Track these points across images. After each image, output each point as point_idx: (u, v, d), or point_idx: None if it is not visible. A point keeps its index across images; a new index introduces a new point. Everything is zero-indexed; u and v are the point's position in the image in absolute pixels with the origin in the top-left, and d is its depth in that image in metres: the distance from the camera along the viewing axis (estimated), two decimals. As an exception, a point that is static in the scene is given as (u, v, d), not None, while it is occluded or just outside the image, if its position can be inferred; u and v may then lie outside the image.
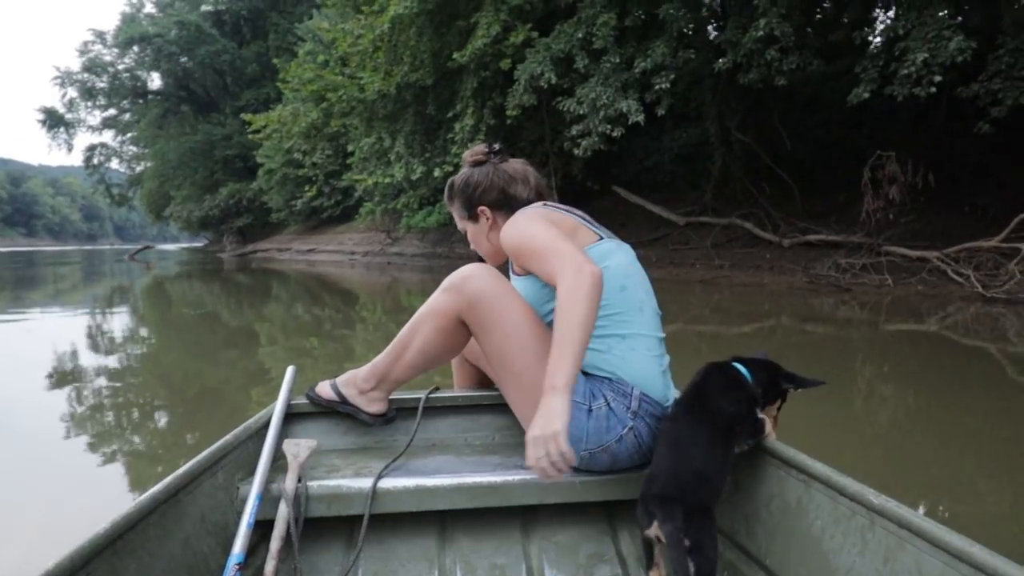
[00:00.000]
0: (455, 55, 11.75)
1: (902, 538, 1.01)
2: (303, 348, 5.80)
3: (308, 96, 16.22)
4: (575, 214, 1.60)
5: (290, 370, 1.87)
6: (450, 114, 13.27)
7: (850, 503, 1.13)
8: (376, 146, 15.18)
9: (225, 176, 38.77)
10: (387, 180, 14.78)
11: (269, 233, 38.59)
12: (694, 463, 1.25)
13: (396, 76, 13.49)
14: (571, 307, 1.26)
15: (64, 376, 4.50)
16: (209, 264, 25.35)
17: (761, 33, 8.79)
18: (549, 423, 1.17)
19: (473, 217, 1.74)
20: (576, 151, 11.20)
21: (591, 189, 16.59)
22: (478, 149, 1.77)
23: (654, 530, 1.20)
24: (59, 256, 39.30)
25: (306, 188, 19.93)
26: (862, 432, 3.20)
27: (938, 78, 7.88)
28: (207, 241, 55.15)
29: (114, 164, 49.28)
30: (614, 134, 10.50)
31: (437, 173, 13.61)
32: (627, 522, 1.59)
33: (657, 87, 10.05)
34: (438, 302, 1.58)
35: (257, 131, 16.61)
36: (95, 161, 47.53)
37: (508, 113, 11.86)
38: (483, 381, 1.99)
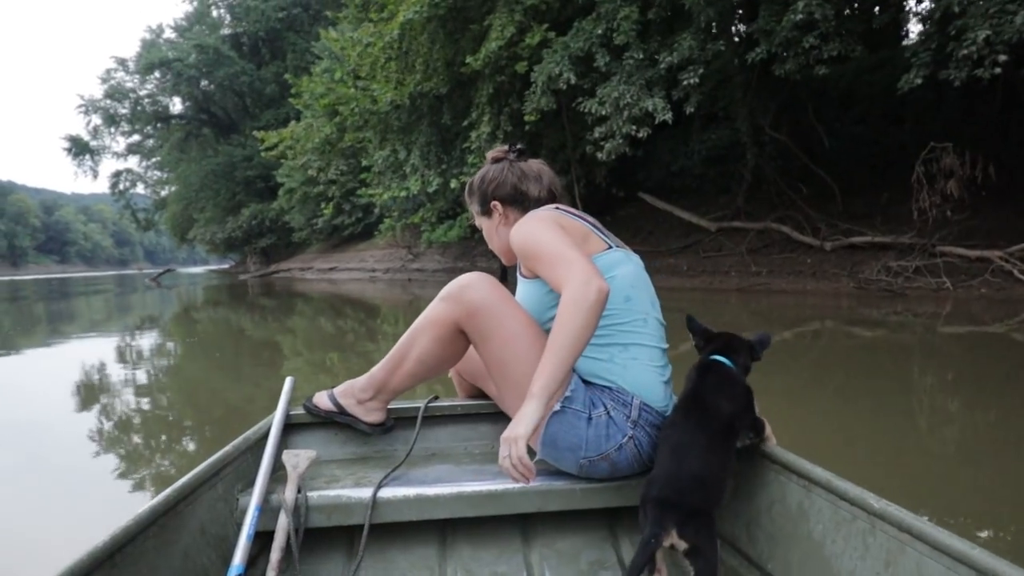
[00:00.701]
0: (469, 59, 11.17)
1: (903, 542, 1.00)
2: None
3: (321, 111, 15.79)
4: (586, 221, 1.57)
5: (288, 380, 1.86)
6: (466, 122, 12.68)
7: (851, 507, 1.12)
8: (391, 159, 14.64)
9: (247, 197, 38.70)
10: (402, 194, 14.21)
11: (292, 253, 38.42)
12: (693, 466, 1.24)
13: (408, 85, 12.97)
14: (570, 317, 1.26)
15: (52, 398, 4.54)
16: (226, 286, 25.08)
17: (800, 17, 8.05)
18: (515, 426, 1.21)
19: (487, 212, 1.73)
20: (599, 155, 10.53)
21: (616, 196, 15.89)
22: (500, 148, 1.77)
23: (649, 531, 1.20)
24: (88, 281, 39.46)
25: (322, 205, 19.39)
26: (926, 454, 2.80)
27: (1003, 57, 7.11)
28: (233, 263, 55.34)
29: (140, 189, 49.75)
30: (639, 135, 9.81)
31: (454, 184, 13.01)
32: (628, 529, 1.58)
33: (685, 82, 9.34)
34: (436, 311, 1.58)
35: (271, 148, 16.18)
36: (121, 187, 47.85)
37: (526, 118, 11.26)
38: (483, 393, 1.94)
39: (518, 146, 1.76)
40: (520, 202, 1.68)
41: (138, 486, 2.70)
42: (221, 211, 40.00)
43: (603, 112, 9.95)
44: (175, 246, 53.81)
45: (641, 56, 9.53)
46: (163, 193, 48.38)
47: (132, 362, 6.10)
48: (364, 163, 14.81)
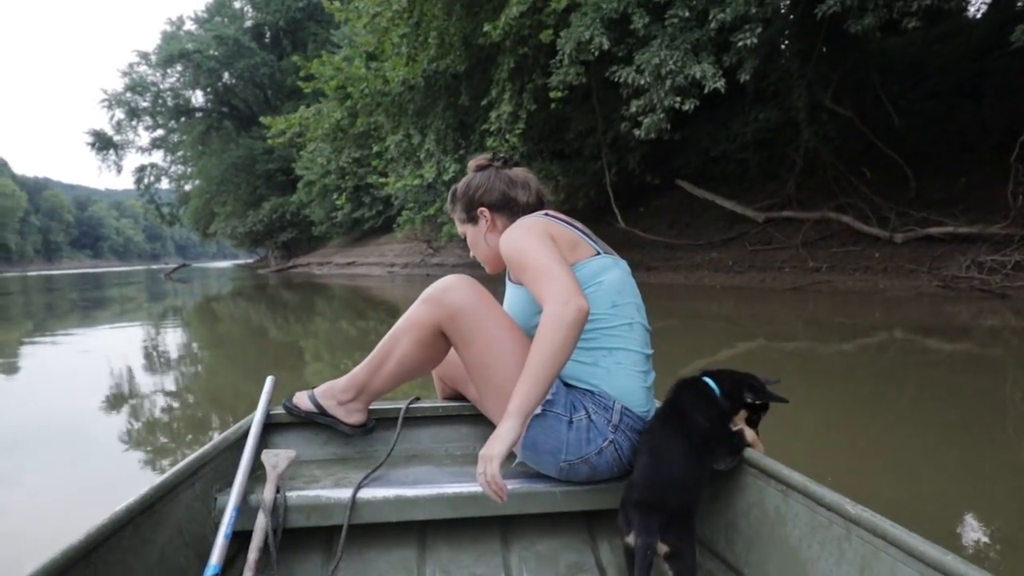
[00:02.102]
0: (487, 27, 9.86)
1: (878, 547, 1.00)
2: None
3: (332, 94, 14.60)
4: (575, 227, 1.59)
5: (269, 380, 1.85)
6: (485, 101, 11.39)
7: (828, 513, 1.12)
8: (404, 144, 13.40)
9: (268, 191, 38.06)
10: (416, 182, 12.95)
11: (314, 247, 37.71)
12: (673, 470, 1.26)
13: (421, 62, 11.75)
14: (549, 336, 1.27)
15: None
16: (239, 281, 24.25)
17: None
18: (491, 446, 1.24)
19: (473, 219, 1.73)
20: (637, 132, 9.15)
21: (650, 184, 14.51)
22: (482, 156, 1.79)
23: (632, 537, 1.20)
24: (110, 277, 39.02)
25: (335, 196, 18.19)
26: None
27: None
28: (258, 257, 54.84)
29: (164, 184, 49.48)
30: (685, 107, 8.43)
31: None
32: (607, 532, 1.58)
33: (740, 43, 7.92)
34: (418, 314, 1.59)
35: (279, 135, 15.04)
36: (145, 181, 47.63)
37: (552, 95, 9.94)
38: (463, 396, 1.94)
39: (501, 154, 1.78)
40: (509, 208, 1.69)
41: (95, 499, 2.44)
42: (242, 205, 39.41)
43: (641, 82, 8.58)
44: (213, 240, 53.31)
45: (687, 14, 8.14)
46: (187, 188, 48.05)
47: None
48: (376, 149, 13.58)
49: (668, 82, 8.28)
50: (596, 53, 8.72)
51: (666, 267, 12.53)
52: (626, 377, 1.48)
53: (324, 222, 32.02)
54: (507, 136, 10.87)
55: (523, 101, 10.74)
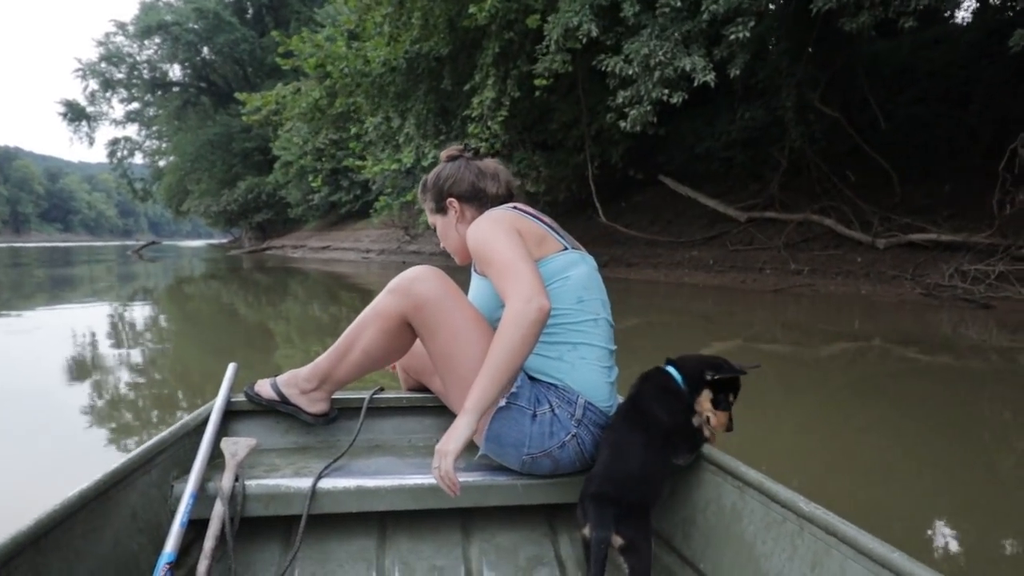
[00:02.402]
0: (472, 9, 9.53)
1: (829, 544, 1.01)
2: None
3: (311, 72, 14.14)
4: (543, 222, 1.59)
5: (231, 367, 1.82)
6: (468, 86, 11.06)
7: (781, 509, 1.14)
8: (383, 127, 13.01)
9: (244, 170, 37.22)
10: (394, 166, 12.58)
11: (290, 229, 37.04)
12: (630, 464, 1.27)
13: (404, 42, 11.37)
14: (509, 334, 1.29)
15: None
16: (210, 261, 23.68)
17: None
18: (447, 441, 1.27)
19: (442, 209, 1.73)
20: (623, 123, 8.90)
21: (633, 179, 14.30)
22: (453, 147, 1.78)
23: (588, 529, 1.20)
24: (78, 251, 38.04)
25: (310, 179, 17.66)
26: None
27: None
28: (232, 238, 53.86)
29: (138, 159, 48.26)
30: (673, 100, 8.19)
31: (451, 156, 11.43)
32: (567, 525, 1.60)
33: (732, 37, 7.69)
34: (384, 304, 1.58)
35: (254, 112, 14.55)
36: (119, 155, 46.39)
37: (537, 82, 9.66)
38: (426, 387, 1.92)
39: (472, 146, 1.78)
40: (478, 199, 1.69)
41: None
42: (217, 183, 38.50)
43: (629, 72, 8.32)
44: (185, 218, 52.01)
45: (679, 4, 7.87)
46: (161, 163, 46.91)
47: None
48: (354, 131, 13.18)
49: (657, 73, 8.04)
50: (584, 40, 8.45)
51: (646, 264, 12.33)
52: (590, 372, 1.49)
53: (300, 204, 31.46)
54: (489, 123, 10.57)
55: (507, 88, 10.45)
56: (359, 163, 13.59)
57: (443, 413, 1.83)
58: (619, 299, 9.94)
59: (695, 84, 7.99)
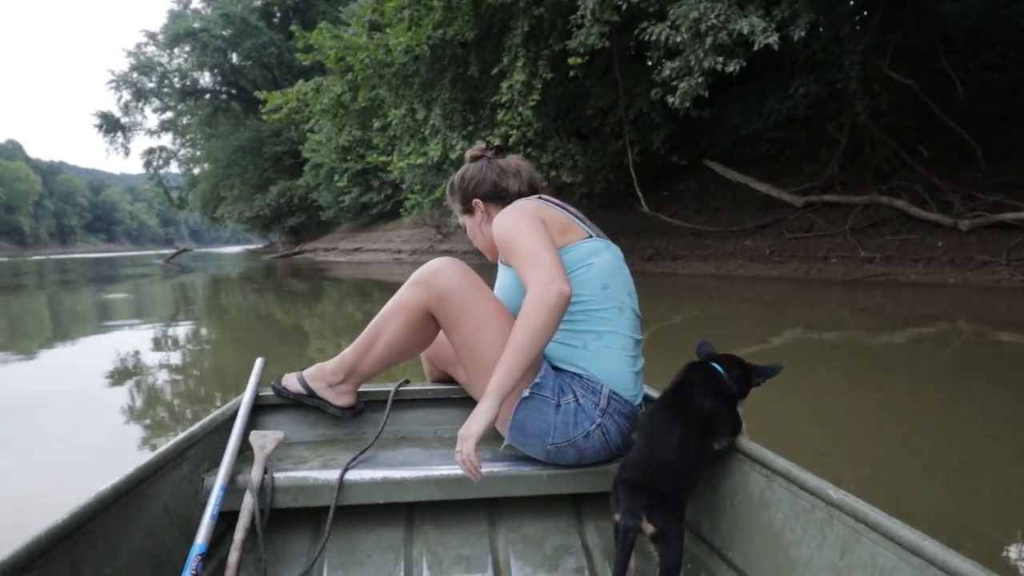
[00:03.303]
0: (498, -18, 8.71)
1: (859, 532, 1.00)
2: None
3: (333, 67, 13.48)
4: (568, 211, 1.59)
5: (259, 362, 1.84)
6: (496, 70, 10.25)
7: (810, 497, 1.12)
8: (407, 119, 12.26)
9: (276, 174, 36.96)
10: (420, 160, 11.82)
11: (323, 232, 36.75)
12: (667, 453, 1.25)
13: (426, 27, 10.61)
14: (530, 318, 1.29)
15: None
16: (237, 267, 23.34)
17: None
18: (468, 425, 1.27)
19: (469, 210, 1.75)
20: (671, 99, 7.99)
21: (675, 166, 13.34)
22: (478, 146, 1.80)
23: (619, 515, 1.19)
24: (114, 261, 38.30)
25: (335, 178, 17.01)
26: None
27: None
28: (268, 243, 54.03)
29: (174, 167, 48.68)
30: (729, 68, 7.25)
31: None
32: (593, 515, 1.59)
33: (795, -7, 6.74)
34: (406, 296, 1.59)
35: (275, 111, 13.96)
36: (154, 165, 46.91)
37: (571, 61, 8.81)
38: (452, 378, 1.93)
39: (495, 144, 1.79)
40: (501, 198, 1.70)
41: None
42: (249, 188, 38.34)
43: (677, 40, 7.41)
44: (221, 225, 52.27)
45: (731, -41, 6.94)
46: (195, 171, 47.19)
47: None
48: (377, 124, 12.46)
49: (709, 39, 7.10)
50: (624, 7, 7.56)
51: (694, 256, 11.40)
52: (615, 361, 1.48)
53: (332, 207, 31.04)
54: (520, 109, 9.76)
55: (538, 70, 9.62)
56: (384, 159, 12.87)
57: (469, 404, 1.77)
58: (666, 294, 9.13)
59: (755, 49, 7.03)
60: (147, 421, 3.33)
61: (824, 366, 4.19)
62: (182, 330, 6.79)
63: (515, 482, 1.49)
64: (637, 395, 1.51)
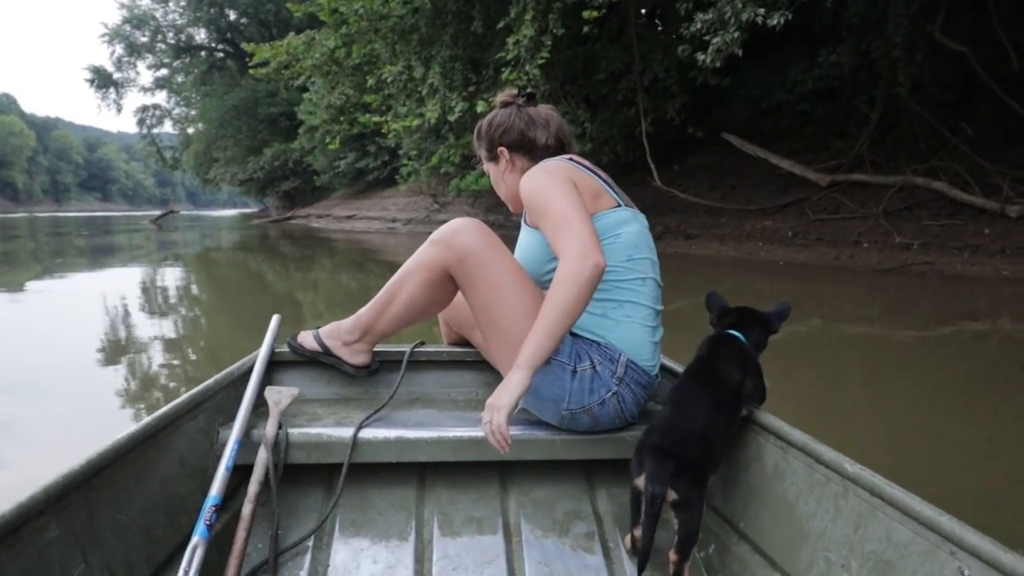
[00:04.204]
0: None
1: (873, 506, 1.00)
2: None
3: (327, 20, 12.49)
4: (599, 176, 1.55)
5: (275, 319, 1.85)
6: (502, 24, 9.32)
7: (825, 470, 1.12)
8: (404, 77, 11.33)
9: (271, 136, 35.84)
10: (416, 122, 10.90)
11: (318, 198, 35.79)
12: (695, 423, 1.24)
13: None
14: (564, 290, 1.25)
15: None
16: (226, 232, 22.50)
17: None
18: (500, 396, 1.24)
19: (494, 158, 1.72)
20: (702, 57, 7.11)
21: (690, 138, 12.46)
22: (509, 92, 1.74)
23: (642, 480, 1.19)
24: (105, 221, 37.30)
25: (327, 140, 16.00)
26: None
27: None
28: (263, 207, 52.92)
29: (168, 127, 47.42)
30: (772, 22, 6.37)
31: (481, 108, 9.73)
32: (605, 481, 1.59)
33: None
34: (426, 255, 1.57)
35: (262, 64, 12.98)
36: (148, 123, 45.68)
37: (585, 14, 7.93)
38: (468, 341, 1.92)
39: (528, 90, 1.73)
40: (527, 149, 1.66)
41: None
42: (243, 150, 37.20)
43: (710, -12, 6.54)
44: (215, 187, 50.99)
45: None
46: (190, 131, 45.95)
47: None
48: (370, 82, 11.54)
49: (747, -12, 6.23)
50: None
51: (709, 236, 10.59)
52: (634, 330, 1.47)
53: (327, 171, 30.09)
54: (527, 67, 8.86)
55: (548, 24, 8.71)
56: (377, 120, 11.93)
57: (483, 367, 1.84)
58: (679, 276, 8.37)
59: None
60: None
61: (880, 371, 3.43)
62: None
63: (528, 446, 1.49)
64: (655, 365, 1.51)
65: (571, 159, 1.56)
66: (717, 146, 12.48)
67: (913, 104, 9.20)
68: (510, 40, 8.97)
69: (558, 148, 1.66)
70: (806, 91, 11.54)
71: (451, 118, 10.48)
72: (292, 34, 13.43)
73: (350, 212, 25.71)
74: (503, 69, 9.31)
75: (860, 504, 1.02)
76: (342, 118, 14.38)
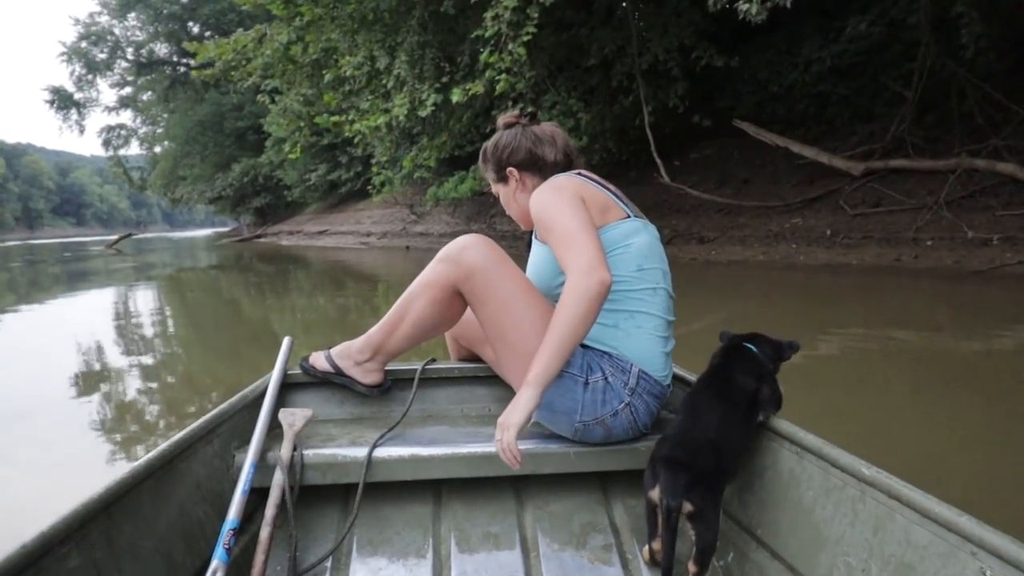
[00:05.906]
0: None
1: (892, 508, 0.98)
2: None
3: (279, 13, 10.96)
4: (608, 189, 1.55)
5: (286, 340, 1.84)
6: (475, -3, 7.82)
7: (841, 474, 1.10)
8: (366, 68, 9.80)
9: (239, 151, 34.15)
10: (382, 120, 9.36)
11: (292, 213, 34.25)
12: (708, 432, 1.23)
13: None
14: (570, 308, 1.25)
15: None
16: (182, 256, 20.81)
17: None
18: (510, 414, 1.22)
19: (503, 179, 1.71)
20: (743, 6, 5.59)
21: (695, 128, 11.02)
22: (511, 113, 1.73)
23: (656, 493, 1.17)
24: (65, 247, 35.31)
25: (285, 148, 14.47)
26: None
27: None
28: (237, 225, 51.04)
29: (135, 148, 45.54)
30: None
31: (457, 97, 8.20)
32: (621, 492, 1.57)
33: None
34: (434, 273, 1.57)
35: (207, 66, 11.42)
36: (113, 144, 43.77)
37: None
38: (478, 357, 1.90)
39: (529, 110, 1.72)
40: (537, 167, 1.66)
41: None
42: (210, 167, 35.51)
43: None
44: (185, 206, 49.02)
45: None
46: (157, 150, 44.12)
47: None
48: (328, 77, 10.02)
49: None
50: None
51: (727, 238, 9.15)
52: (646, 341, 1.45)
53: (298, 185, 28.50)
54: (510, 46, 7.37)
55: (532, -7, 7.22)
56: (336, 119, 10.38)
57: (495, 382, 1.83)
58: (693, 288, 6.95)
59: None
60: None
61: None
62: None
63: (542, 459, 1.47)
64: (667, 375, 1.49)
65: (580, 174, 1.57)
66: (722, 137, 11.10)
67: (965, 74, 7.83)
68: (488, 15, 7.48)
69: (566, 164, 1.65)
70: (823, 70, 10.16)
71: (422, 113, 8.94)
72: (240, 31, 11.87)
73: (322, 228, 24.18)
74: (481, 51, 7.81)
75: (878, 507, 1.00)
76: (302, 123, 12.81)
